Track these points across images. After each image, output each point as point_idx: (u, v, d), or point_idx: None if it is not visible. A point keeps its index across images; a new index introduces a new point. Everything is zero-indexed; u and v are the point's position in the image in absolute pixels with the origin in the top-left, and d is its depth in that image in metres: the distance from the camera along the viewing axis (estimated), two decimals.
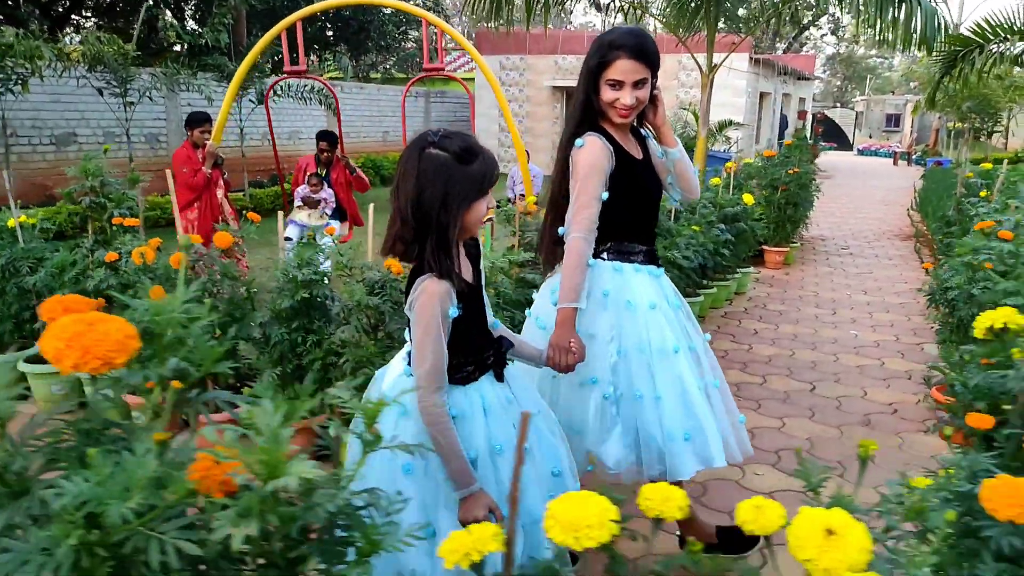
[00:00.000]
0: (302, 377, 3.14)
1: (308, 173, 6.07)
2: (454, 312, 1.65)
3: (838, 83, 62.68)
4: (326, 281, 3.21)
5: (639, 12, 9.63)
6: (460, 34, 6.48)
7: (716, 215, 5.97)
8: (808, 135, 22.26)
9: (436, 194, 1.59)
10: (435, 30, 6.18)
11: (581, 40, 17.13)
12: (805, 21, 39.39)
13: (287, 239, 5.40)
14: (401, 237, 1.65)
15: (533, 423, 1.82)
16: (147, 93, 10.44)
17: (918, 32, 7.56)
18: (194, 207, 5.87)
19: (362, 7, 18.80)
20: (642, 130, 2.39)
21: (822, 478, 1.12)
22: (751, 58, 16.62)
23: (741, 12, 9.52)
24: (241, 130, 12.60)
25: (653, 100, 2.25)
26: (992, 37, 7.44)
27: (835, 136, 39.94)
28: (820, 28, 46.76)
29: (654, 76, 2.19)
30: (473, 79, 18.61)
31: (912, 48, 7.79)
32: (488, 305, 1.87)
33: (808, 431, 3.81)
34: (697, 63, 9.43)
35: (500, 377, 1.82)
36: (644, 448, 2.18)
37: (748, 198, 6.14)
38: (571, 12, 10.21)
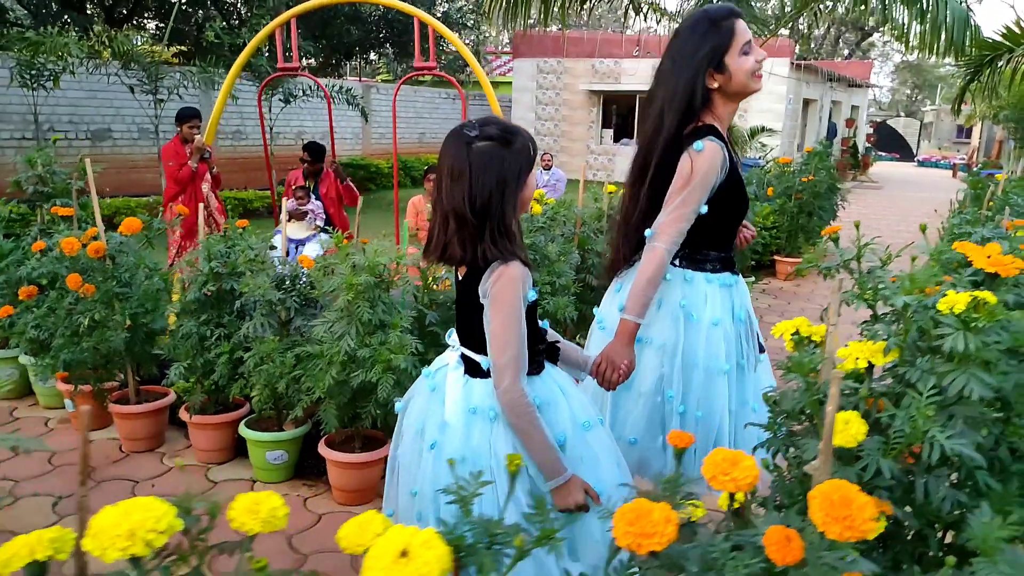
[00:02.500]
0: (213, 371, 3.11)
1: (295, 186, 5.99)
2: (532, 295, 1.65)
3: (907, 92, 60.63)
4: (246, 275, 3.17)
5: (658, 15, 9.43)
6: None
7: None
8: (855, 144, 21.51)
9: (493, 182, 1.59)
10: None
11: (619, 43, 16.92)
12: (868, 26, 38.17)
13: (271, 247, 5.40)
14: (461, 239, 1.61)
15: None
16: (176, 91, 10.71)
17: (942, 37, 7.21)
18: (179, 200, 5.94)
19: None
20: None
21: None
22: (792, 63, 16.12)
23: (764, 14, 9.21)
24: (271, 128, 12.83)
25: None
26: (1023, 41, 7.01)
27: (897, 146, 38.60)
28: (884, 34, 45.26)
29: None
30: (511, 83, 18.59)
31: (940, 54, 7.43)
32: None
33: None
34: None
35: (554, 361, 1.85)
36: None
37: None
38: (588, 12, 10.08)
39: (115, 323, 3.16)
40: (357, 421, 2.95)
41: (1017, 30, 6.98)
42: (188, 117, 6.00)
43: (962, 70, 7.51)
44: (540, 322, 1.84)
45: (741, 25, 2.03)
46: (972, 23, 7.25)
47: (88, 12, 18.59)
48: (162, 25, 20.23)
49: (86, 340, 3.18)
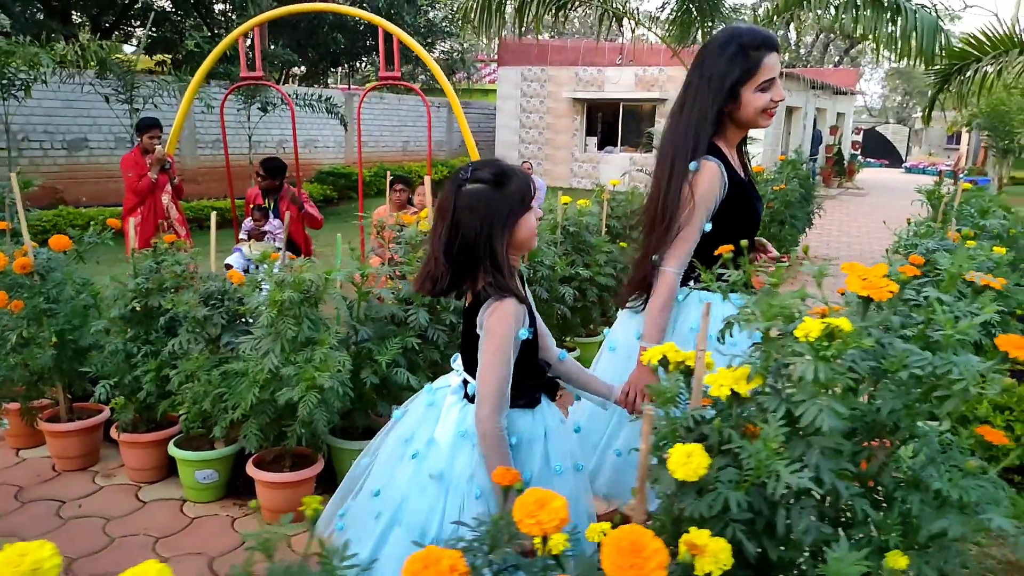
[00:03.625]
0: (141, 388, 3.05)
1: (253, 205, 5.80)
2: (524, 334, 1.70)
3: (898, 98, 60.89)
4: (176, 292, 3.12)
5: (633, 23, 9.43)
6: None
7: None
8: (840, 151, 21.55)
9: (480, 222, 1.65)
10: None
11: (602, 51, 16.92)
12: (858, 34, 38.35)
13: (227, 266, 5.27)
14: (435, 276, 1.72)
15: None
16: (151, 100, 10.65)
17: (912, 45, 7.22)
18: (138, 212, 5.88)
19: (384, 15, 18.98)
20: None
21: None
22: None
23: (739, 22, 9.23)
24: (249, 138, 12.78)
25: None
26: (990, 50, 7.01)
27: (886, 153, 38.70)
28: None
29: None
30: (495, 91, 18.59)
31: (911, 60, 7.45)
32: (548, 334, 1.95)
33: None
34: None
35: (552, 397, 1.89)
36: None
37: None
38: (563, 21, 10.08)
39: (43, 340, 3.10)
40: (283, 440, 2.89)
41: (984, 38, 6.98)
42: (148, 127, 5.93)
43: (932, 79, 7.51)
44: (559, 352, 1.95)
45: (771, 60, 1.98)
46: (942, 32, 7.27)
47: (74, 21, 18.57)
48: (152, 34, 20.25)
49: (13, 357, 3.12)
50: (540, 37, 17.82)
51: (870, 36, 7.16)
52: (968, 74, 7.10)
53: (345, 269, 3.10)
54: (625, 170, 14.78)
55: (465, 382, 1.82)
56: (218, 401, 2.84)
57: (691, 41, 9.29)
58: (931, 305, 1.49)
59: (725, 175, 2.03)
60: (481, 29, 9.47)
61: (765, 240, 2.35)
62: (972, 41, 7.07)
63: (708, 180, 2.01)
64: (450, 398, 1.84)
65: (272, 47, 15.82)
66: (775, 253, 2.36)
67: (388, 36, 6.07)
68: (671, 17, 9.18)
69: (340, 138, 16.35)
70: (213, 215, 3.68)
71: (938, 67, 7.29)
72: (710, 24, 9.09)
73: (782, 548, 1.35)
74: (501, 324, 1.65)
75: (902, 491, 1.46)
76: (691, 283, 2.08)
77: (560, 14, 9.48)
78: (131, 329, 3.04)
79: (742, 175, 2.14)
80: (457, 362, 1.89)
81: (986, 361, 1.33)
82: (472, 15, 9.28)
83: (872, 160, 35.72)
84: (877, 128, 41.38)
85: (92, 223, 3.60)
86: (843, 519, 1.44)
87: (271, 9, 10.33)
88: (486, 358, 1.67)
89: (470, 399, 1.78)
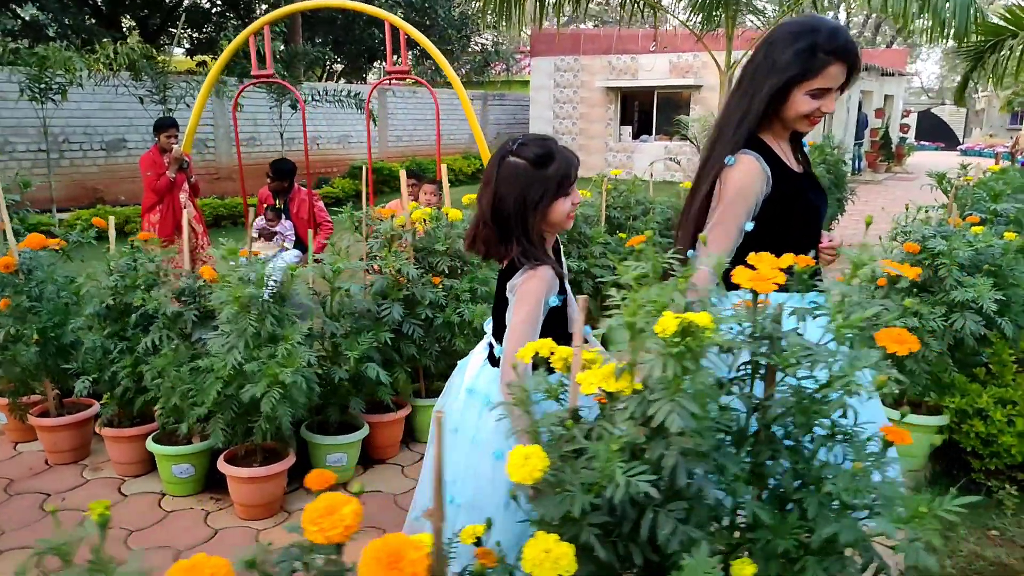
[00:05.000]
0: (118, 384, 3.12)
1: (266, 205, 5.87)
2: (555, 301, 1.76)
3: (956, 78, 58.57)
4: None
5: (653, 8, 9.25)
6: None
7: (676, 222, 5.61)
8: (887, 134, 20.82)
9: (515, 197, 1.74)
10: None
11: (635, 39, 16.67)
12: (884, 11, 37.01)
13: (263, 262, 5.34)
14: (483, 238, 1.82)
15: None
16: (183, 100, 10.89)
17: (946, 22, 6.91)
18: (156, 210, 6.02)
19: (417, 10, 19.02)
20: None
21: None
22: None
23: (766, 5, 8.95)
24: (281, 135, 12.98)
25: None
26: None
27: (943, 135, 37.29)
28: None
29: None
30: (528, 82, 18.51)
31: (942, 39, 7.14)
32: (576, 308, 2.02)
33: None
34: (715, 60, 8.99)
35: None
36: None
37: None
38: (584, 10, 9.99)
39: (27, 337, 3.19)
40: (250, 436, 2.92)
41: (1020, 12, 6.63)
42: (165, 127, 6.05)
43: (965, 57, 7.18)
44: (586, 328, 1.95)
45: (836, 70, 1.83)
46: (974, 7, 6.94)
47: (122, 26, 19.11)
48: (191, 34, 20.71)
49: (2, 354, 3.22)
50: (579, 26, 17.64)
51: (891, 11, 6.86)
52: (1003, 52, 6.76)
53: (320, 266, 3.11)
54: (655, 159, 14.56)
55: (491, 345, 1.88)
56: (187, 397, 2.88)
57: (716, 26, 9.08)
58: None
59: (767, 170, 1.87)
60: (501, 21, 9.41)
61: (824, 232, 2.15)
62: (1008, 15, 6.72)
63: (743, 174, 1.86)
64: (475, 357, 1.93)
65: (307, 45, 16.02)
66: (830, 243, 2.14)
67: (395, 30, 6.06)
68: (694, 2, 8.98)
69: (373, 133, 16.49)
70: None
71: (971, 44, 6.96)
72: (734, 7, 8.87)
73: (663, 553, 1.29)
74: (533, 290, 1.70)
75: (801, 493, 1.39)
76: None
77: (580, 3, 9.36)
78: (108, 326, 3.10)
79: (796, 168, 1.97)
80: (488, 324, 1.94)
81: (871, 357, 1.25)
82: (492, 5, 9.23)
83: (927, 143, 34.44)
84: (932, 110, 39.88)
85: (128, 222, 3.68)
86: (744, 524, 1.38)
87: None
88: (515, 322, 1.70)
89: (494, 362, 1.84)
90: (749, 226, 1.86)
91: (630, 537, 1.23)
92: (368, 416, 3.40)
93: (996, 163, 24.88)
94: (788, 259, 1.44)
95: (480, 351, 1.95)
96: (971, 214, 3.84)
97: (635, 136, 18.20)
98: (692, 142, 13.32)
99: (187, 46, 20.40)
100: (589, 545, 1.14)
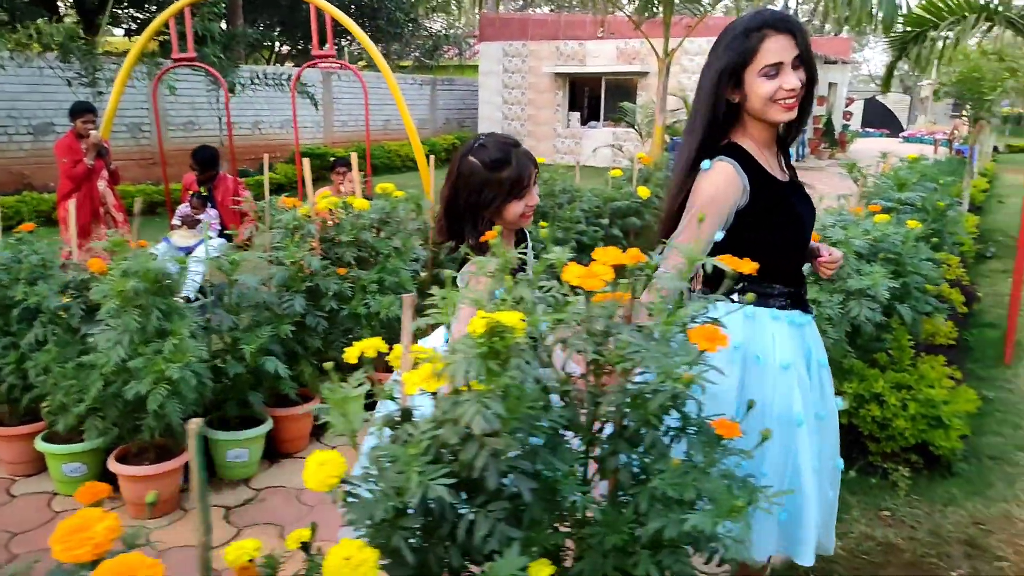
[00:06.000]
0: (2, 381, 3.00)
1: (190, 192, 5.71)
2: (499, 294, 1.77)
3: (904, 67, 60.05)
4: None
5: None
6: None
7: (605, 210, 5.64)
8: (830, 122, 21.22)
9: (467, 196, 1.85)
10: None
11: (583, 25, 16.65)
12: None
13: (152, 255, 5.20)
14: (441, 229, 1.93)
15: None
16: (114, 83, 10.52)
17: (874, 11, 7.04)
18: (73, 197, 5.80)
19: None
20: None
21: None
22: None
23: None
24: (220, 119, 12.67)
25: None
26: (947, 15, 6.81)
27: (887, 122, 38.14)
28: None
29: (810, 69, 1.80)
30: (473, 67, 18.38)
31: (870, 27, 7.27)
32: None
33: None
34: (653, 48, 9.02)
35: None
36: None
37: (643, 191, 5.77)
38: None
39: None
40: (137, 433, 2.84)
41: (941, 4, 6.78)
42: (81, 112, 5.83)
43: (891, 47, 7.32)
44: None
45: (773, 43, 1.76)
46: None
47: (58, 8, 18.36)
48: (141, 17, 20.02)
49: None
50: (533, 11, 17.55)
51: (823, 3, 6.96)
52: (926, 43, 6.91)
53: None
54: (596, 146, 14.60)
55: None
56: (71, 394, 2.79)
57: (653, 13, 9.10)
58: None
59: (744, 179, 1.80)
60: (450, 3, 9.32)
61: (822, 245, 2.08)
62: (930, 7, 6.86)
63: (716, 182, 1.79)
64: (434, 340, 1.91)
65: (249, 27, 15.64)
66: (830, 257, 2.05)
67: (321, 13, 5.94)
68: None
69: (318, 118, 16.21)
70: (137, 202, 3.62)
71: (896, 34, 7.10)
72: None
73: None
74: (477, 283, 1.66)
75: (636, 489, 1.40)
76: (735, 296, 1.87)
77: None
78: None
79: (780, 176, 1.89)
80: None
81: (689, 355, 1.25)
82: None
83: (871, 130, 35.23)
84: (877, 97, 40.78)
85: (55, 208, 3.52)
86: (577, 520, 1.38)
87: None
88: (460, 315, 1.67)
89: None
90: (720, 235, 1.80)
91: (449, 539, 1.21)
92: (273, 410, 3.33)
93: (935, 150, 25.59)
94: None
95: (440, 333, 1.90)
96: (876, 203, 3.92)
97: (584, 122, 18.23)
98: (635, 129, 13.37)
99: (131, 27, 19.72)
100: (395, 548, 1.12)
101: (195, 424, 0.98)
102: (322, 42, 6.06)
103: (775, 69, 1.76)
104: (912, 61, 7.17)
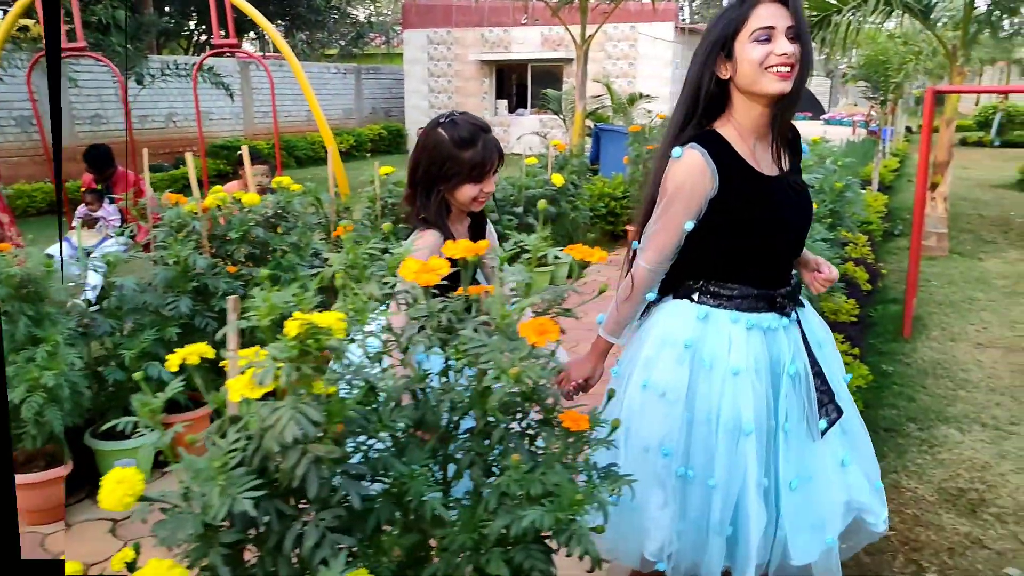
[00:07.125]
0: None
1: (85, 189, 5.41)
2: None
3: (827, 50, 61.85)
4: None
5: None
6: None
7: (520, 198, 5.62)
8: None
9: (426, 166, 1.89)
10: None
11: (507, 11, 16.59)
12: None
13: (48, 256, 4.93)
14: (407, 197, 1.98)
15: None
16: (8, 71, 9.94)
17: None
18: None
19: None
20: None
21: None
22: (677, 27, 16.08)
23: None
24: (127, 113, 12.13)
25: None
26: (850, 0, 7.01)
27: (811, 106, 39.32)
28: None
29: (805, 45, 1.66)
30: (402, 55, 18.15)
31: None
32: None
33: None
34: (571, 34, 9.02)
35: None
36: (680, 538, 1.78)
37: (557, 179, 5.77)
38: None
39: None
40: (19, 442, 2.70)
41: None
42: None
43: None
44: None
45: (764, 9, 1.65)
46: None
47: None
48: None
49: None
50: None
51: None
52: (830, 27, 7.10)
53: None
54: (521, 133, 14.61)
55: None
56: None
57: (568, 1, 9.09)
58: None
59: (712, 167, 1.69)
60: None
61: (820, 259, 1.95)
62: None
63: (684, 170, 1.70)
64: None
65: (157, 15, 15.04)
66: (827, 274, 1.92)
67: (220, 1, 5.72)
68: None
69: (237, 109, 15.75)
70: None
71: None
72: None
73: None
74: (417, 252, 1.64)
75: (488, 487, 1.37)
76: (694, 296, 1.82)
77: None
78: None
79: (765, 171, 1.75)
80: None
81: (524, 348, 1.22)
82: None
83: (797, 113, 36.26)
84: None
85: None
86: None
87: None
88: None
89: None
90: (689, 225, 1.73)
91: (276, 550, 1.16)
92: (169, 416, 3.19)
93: (854, 131, 26.48)
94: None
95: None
96: None
97: (511, 110, 18.19)
98: (559, 116, 13.43)
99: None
100: (212, 565, 1.06)
101: None
102: (223, 28, 5.85)
103: (766, 33, 1.64)
104: (818, 45, 7.35)
